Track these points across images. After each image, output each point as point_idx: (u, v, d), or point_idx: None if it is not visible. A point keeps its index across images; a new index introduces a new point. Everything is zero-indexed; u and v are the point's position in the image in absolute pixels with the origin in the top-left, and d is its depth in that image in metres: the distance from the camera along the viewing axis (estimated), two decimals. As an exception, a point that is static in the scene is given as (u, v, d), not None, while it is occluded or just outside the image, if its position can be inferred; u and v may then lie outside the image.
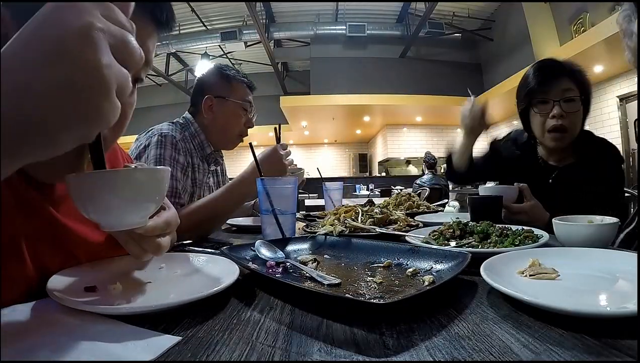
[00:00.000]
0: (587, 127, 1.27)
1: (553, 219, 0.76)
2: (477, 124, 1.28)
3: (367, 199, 1.37)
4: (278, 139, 1.12)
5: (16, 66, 0.27)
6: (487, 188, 1.16)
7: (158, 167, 0.47)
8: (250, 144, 1.05)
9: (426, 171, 5.41)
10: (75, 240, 0.59)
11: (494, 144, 1.46)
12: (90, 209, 0.41)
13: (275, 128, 1.15)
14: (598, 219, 0.77)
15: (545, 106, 1.18)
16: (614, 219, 0.74)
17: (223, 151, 1.46)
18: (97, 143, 0.39)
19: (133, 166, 0.45)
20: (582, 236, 0.71)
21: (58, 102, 0.27)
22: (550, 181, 1.24)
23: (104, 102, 0.29)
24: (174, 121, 1.32)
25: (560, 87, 1.16)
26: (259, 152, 1.05)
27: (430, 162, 5.41)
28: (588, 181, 1.16)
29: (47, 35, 0.27)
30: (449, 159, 1.42)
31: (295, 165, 1.22)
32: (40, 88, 0.27)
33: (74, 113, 0.28)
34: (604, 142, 1.25)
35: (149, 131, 1.24)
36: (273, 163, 1.06)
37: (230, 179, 1.20)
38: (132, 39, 0.31)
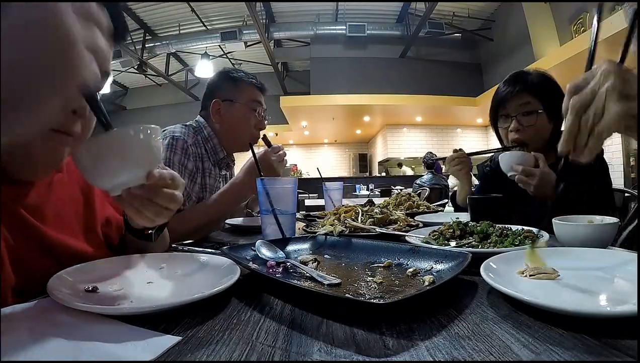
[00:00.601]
0: None
1: (553, 220, 0.76)
2: (462, 166, 1.40)
3: (367, 199, 1.37)
4: (268, 145, 1.13)
5: None
6: (506, 154, 1.15)
7: (152, 126, 0.49)
8: (249, 144, 1.05)
9: (426, 171, 5.43)
10: (52, 245, 0.59)
11: (481, 169, 1.53)
12: (102, 170, 0.47)
13: (263, 136, 1.18)
14: (598, 219, 0.77)
15: (507, 120, 1.24)
16: (614, 220, 0.73)
17: (235, 155, 1.46)
18: (98, 107, 0.44)
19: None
20: (582, 236, 0.71)
21: (29, 64, 0.29)
22: None
23: (71, 52, 0.30)
24: (187, 123, 1.31)
25: (518, 102, 1.21)
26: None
27: (428, 162, 5.42)
28: (570, 179, 1.17)
29: (16, 15, 0.29)
30: (453, 197, 1.55)
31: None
32: (9, 58, 0.28)
33: (45, 68, 0.30)
34: None
35: (162, 131, 1.24)
36: (264, 168, 1.06)
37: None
38: (92, 2, 0.34)
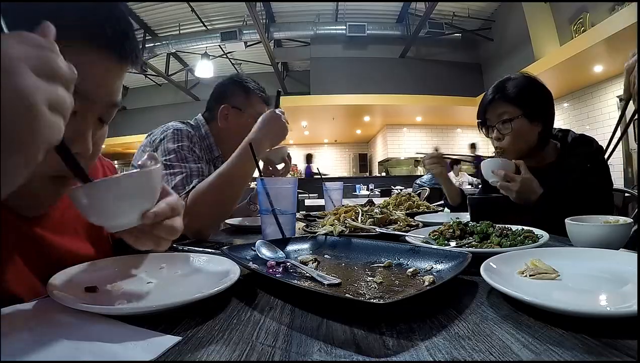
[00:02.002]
0: (587, 128, 1.29)
1: (566, 220, 0.74)
2: (436, 166, 1.50)
3: (367, 199, 1.37)
4: (277, 105, 1.13)
5: None
6: (487, 161, 1.20)
7: (145, 169, 0.48)
8: (250, 144, 1.04)
9: (426, 171, 5.45)
10: (61, 254, 0.59)
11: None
12: (92, 216, 0.46)
13: (278, 92, 1.17)
14: (612, 219, 0.75)
15: (489, 129, 1.30)
16: (628, 220, 0.71)
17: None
18: (72, 161, 0.41)
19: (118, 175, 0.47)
20: (596, 237, 0.68)
21: None
22: None
23: (34, 121, 0.29)
24: (185, 121, 1.34)
25: (496, 112, 1.25)
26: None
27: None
28: (568, 178, 1.18)
29: None
30: (445, 198, 1.59)
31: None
32: None
33: (8, 139, 0.28)
34: (583, 139, 1.27)
35: (163, 126, 1.26)
36: (272, 125, 1.08)
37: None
38: (54, 57, 0.32)
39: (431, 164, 1.51)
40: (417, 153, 1.76)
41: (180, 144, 1.18)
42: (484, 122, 1.31)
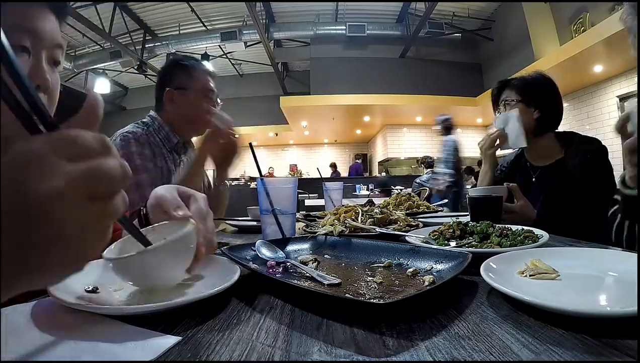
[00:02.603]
0: (587, 128, 1.33)
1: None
2: (491, 147, 1.44)
3: (367, 199, 1.37)
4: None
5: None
6: (477, 189, 1.27)
7: (184, 231, 0.48)
8: (250, 144, 1.04)
9: (425, 171, 5.51)
10: None
11: (500, 170, 1.57)
12: (137, 283, 0.49)
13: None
14: None
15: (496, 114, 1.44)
16: None
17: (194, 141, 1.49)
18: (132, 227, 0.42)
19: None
20: None
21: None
22: (534, 180, 1.36)
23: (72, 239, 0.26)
24: (138, 121, 1.36)
25: (500, 99, 1.45)
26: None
27: (427, 161, 5.58)
28: (570, 177, 1.23)
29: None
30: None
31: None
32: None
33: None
34: (587, 139, 1.33)
35: (112, 136, 1.26)
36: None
37: (233, 179, 1.21)
38: (103, 167, 0.27)
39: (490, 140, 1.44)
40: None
41: (128, 151, 1.19)
42: (494, 109, 1.48)
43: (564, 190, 1.22)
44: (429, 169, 5.47)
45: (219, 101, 1.42)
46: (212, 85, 1.39)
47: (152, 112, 1.39)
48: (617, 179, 0.77)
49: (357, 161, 11.07)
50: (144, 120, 1.37)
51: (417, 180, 5.34)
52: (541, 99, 1.36)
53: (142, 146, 1.24)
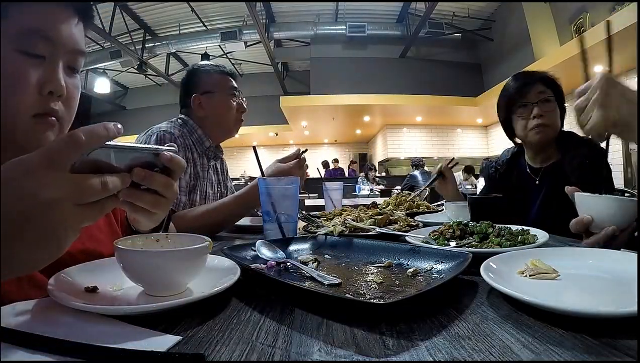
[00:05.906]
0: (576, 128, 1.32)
1: (575, 194, 0.72)
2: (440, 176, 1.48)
3: (370, 201, 1.38)
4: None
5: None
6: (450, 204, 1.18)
7: (202, 244, 0.49)
8: (253, 147, 1.05)
9: (412, 169, 5.81)
10: (69, 252, 0.59)
11: (486, 170, 1.57)
12: (138, 281, 0.49)
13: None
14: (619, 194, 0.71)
15: (525, 108, 1.30)
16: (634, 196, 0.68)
17: (225, 154, 1.49)
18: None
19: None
20: (605, 209, 0.65)
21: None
22: (537, 182, 1.33)
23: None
24: (172, 120, 1.35)
25: (536, 91, 1.29)
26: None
27: (417, 163, 5.88)
28: (571, 177, 1.20)
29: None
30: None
31: None
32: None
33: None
34: (585, 139, 1.31)
35: (148, 130, 1.27)
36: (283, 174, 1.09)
37: (233, 179, 1.21)
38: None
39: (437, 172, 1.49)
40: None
41: None
42: (518, 103, 1.31)
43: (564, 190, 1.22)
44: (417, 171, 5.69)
45: (244, 99, 1.43)
46: (234, 84, 1.41)
47: (181, 115, 1.39)
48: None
49: (351, 167, 10.53)
50: (179, 120, 1.36)
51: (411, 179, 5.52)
52: (562, 100, 1.34)
53: (178, 147, 1.23)
